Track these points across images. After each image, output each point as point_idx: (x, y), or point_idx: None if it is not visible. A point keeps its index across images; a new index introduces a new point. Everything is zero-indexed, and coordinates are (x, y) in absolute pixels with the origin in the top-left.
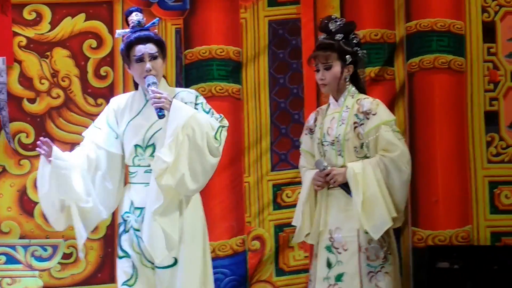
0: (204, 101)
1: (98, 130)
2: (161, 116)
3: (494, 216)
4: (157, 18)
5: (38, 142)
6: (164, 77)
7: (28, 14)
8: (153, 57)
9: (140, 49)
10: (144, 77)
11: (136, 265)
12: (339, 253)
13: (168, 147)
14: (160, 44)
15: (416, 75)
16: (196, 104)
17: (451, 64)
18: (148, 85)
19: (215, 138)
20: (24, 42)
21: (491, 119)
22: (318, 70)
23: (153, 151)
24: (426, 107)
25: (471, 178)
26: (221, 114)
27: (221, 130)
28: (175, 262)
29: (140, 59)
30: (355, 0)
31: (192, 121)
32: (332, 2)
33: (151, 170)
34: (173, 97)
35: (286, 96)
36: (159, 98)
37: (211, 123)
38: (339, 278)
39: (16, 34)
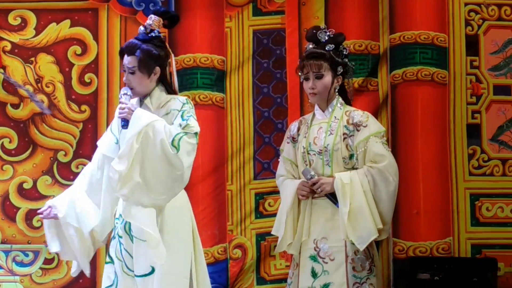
0: (188, 109)
1: (105, 135)
2: (124, 127)
3: (475, 229)
4: (157, 29)
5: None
6: (163, 83)
7: (13, 19)
8: (130, 71)
9: (124, 60)
10: None
11: (117, 272)
12: (325, 263)
13: (120, 156)
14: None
15: (399, 86)
16: (179, 111)
17: (434, 76)
18: (120, 96)
19: (172, 145)
20: (8, 47)
21: (473, 132)
22: (307, 79)
23: None
24: (409, 119)
25: (452, 190)
26: (192, 123)
27: (181, 137)
28: (152, 271)
29: (124, 69)
30: (340, 11)
31: (149, 128)
32: (317, 12)
33: None
34: (164, 104)
35: (270, 105)
36: (123, 108)
37: (170, 130)
38: None
39: (0, 39)
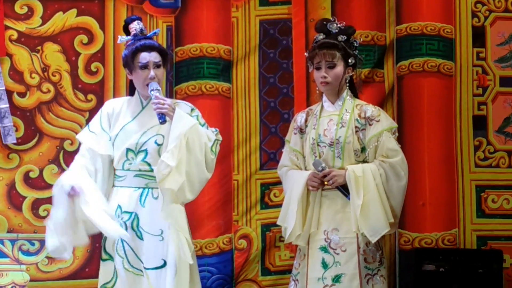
0: (200, 114)
1: (93, 135)
2: (162, 122)
3: (481, 220)
4: (158, 29)
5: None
6: None
7: (19, 8)
8: (157, 66)
9: (145, 56)
10: (147, 84)
11: (117, 269)
12: (337, 254)
13: (171, 152)
14: (163, 54)
15: (405, 78)
16: (191, 115)
17: (441, 68)
18: (152, 90)
19: (211, 150)
20: (15, 36)
21: (479, 124)
22: (319, 68)
23: (145, 157)
24: (415, 110)
25: (458, 181)
26: (217, 128)
27: (217, 143)
28: (164, 264)
29: (145, 66)
30: (347, 2)
31: (193, 131)
32: (324, 3)
33: (141, 174)
34: None
35: (276, 95)
36: (163, 104)
37: (208, 135)
38: (337, 279)
39: (7, 27)
